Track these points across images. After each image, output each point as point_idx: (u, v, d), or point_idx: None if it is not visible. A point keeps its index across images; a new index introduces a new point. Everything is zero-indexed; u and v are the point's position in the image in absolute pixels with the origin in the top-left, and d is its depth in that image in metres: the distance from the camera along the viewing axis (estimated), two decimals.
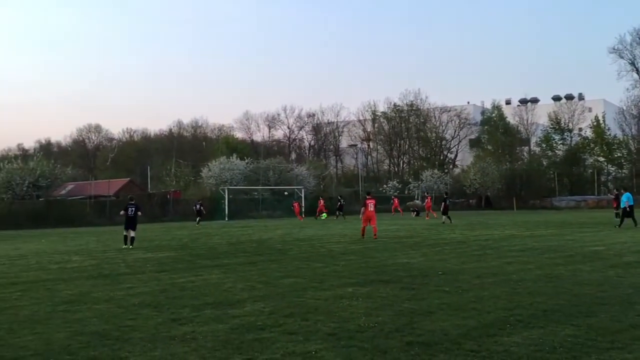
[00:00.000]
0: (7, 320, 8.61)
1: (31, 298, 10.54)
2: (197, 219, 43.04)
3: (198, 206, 44.09)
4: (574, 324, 7.50)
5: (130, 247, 21.51)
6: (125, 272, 14.25)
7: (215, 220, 49.01)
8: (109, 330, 7.71)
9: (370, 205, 23.87)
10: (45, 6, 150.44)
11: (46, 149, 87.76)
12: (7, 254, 20.49)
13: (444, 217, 35.78)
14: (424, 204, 50.08)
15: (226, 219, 49.29)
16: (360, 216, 24.42)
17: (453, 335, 7.05)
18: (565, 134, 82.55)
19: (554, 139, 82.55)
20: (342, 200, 49.60)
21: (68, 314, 8.96)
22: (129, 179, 65.98)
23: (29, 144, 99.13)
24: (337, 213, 47.38)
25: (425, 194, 56.83)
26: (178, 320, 8.27)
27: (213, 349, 6.72)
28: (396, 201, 56.14)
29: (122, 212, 23.16)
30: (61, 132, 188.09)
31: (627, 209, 28.81)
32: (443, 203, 37.68)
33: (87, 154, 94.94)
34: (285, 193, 58.31)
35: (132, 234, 22.06)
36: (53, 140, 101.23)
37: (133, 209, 22.67)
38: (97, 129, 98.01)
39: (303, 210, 51.72)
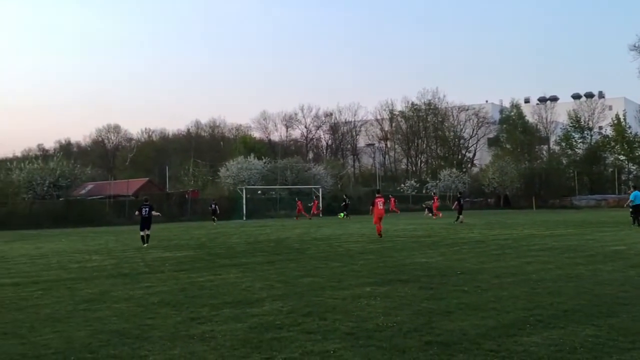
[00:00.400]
0: (29, 318, 8.71)
1: (52, 297, 10.65)
2: (214, 218, 43.73)
3: (213, 206, 44.69)
4: (594, 324, 7.43)
5: (145, 245, 21.98)
6: (144, 271, 14.35)
7: (233, 219, 49.22)
8: (128, 329, 7.77)
9: (380, 203, 24.26)
10: (65, 7, 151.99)
11: (66, 150, 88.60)
12: (28, 253, 20.73)
13: (460, 216, 35.22)
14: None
15: (244, 219, 49.43)
16: (371, 214, 24.72)
17: (472, 335, 7.01)
18: (585, 132, 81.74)
19: (574, 138, 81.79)
20: (347, 200, 49.84)
21: (88, 312, 9.05)
22: (147, 178, 66.44)
23: (49, 144, 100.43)
24: (344, 213, 47.74)
25: (432, 193, 56.00)
26: (197, 319, 8.32)
27: (232, 347, 6.74)
28: (392, 201, 54.70)
29: (136, 213, 23.59)
30: (81, 133, 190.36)
31: (630, 207, 28.70)
32: (457, 202, 37.06)
33: (106, 154, 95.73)
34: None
35: (147, 232, 22.58)
36: (73, 140, 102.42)
37: (147, 209, 23.07)
38: (116, 129, 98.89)
39: (321, 208, 52.24)
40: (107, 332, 7.66)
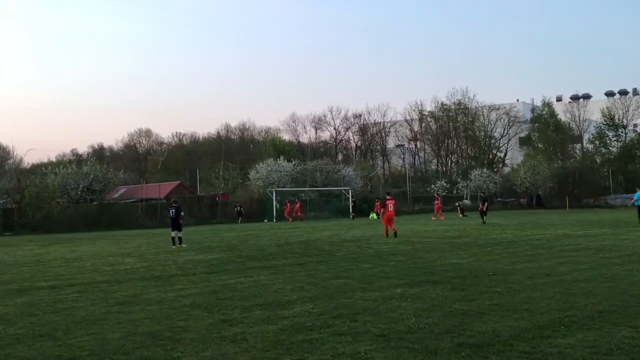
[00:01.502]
0: (64, 320, 8.87)
1: (87, 299, 10.83)
2: (239, 219, 45.91)
3: (238, 208, 45.97)
4: (631, 326, 7.29)
5: (182, 246, 22.55)
6: (176, 273, 14.50)
7: (263, 221, 49.46)
8: (161, 331, 7.86)
9: (390, 205, 24.66)
10: (97, 10, 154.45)
11: (99, 154, 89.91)
12: (63, 256, 21.11)
13: (484, 217, 34.51)
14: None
15: (274, 220, 49.62)
16: (381, 216, 25.53)
17: (505, 337, 6.94)
18: (620, 130, 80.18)
19: (608, 136, 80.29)
20: (355, 201, 50.06)
21: (122, 314, 9.18)
22: (178, 182, 67.16)
23: (83, 149, 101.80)
24: (352, 214, 47.90)
25: (436, 194, 54.45)
26: (228, 321, 8.37)
27: (263, 349, 6.78)
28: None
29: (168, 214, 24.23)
30: (113, 137, 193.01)
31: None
32: (484, 203, 36.19)
33: (138, 158, 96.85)
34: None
35: (179, 234, 23.03)
36: (105, 145, 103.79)
37: (173, 210, 23.60)
38: (148, 133, 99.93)
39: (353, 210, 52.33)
40: (140, 334, 7.76)
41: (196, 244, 24.82)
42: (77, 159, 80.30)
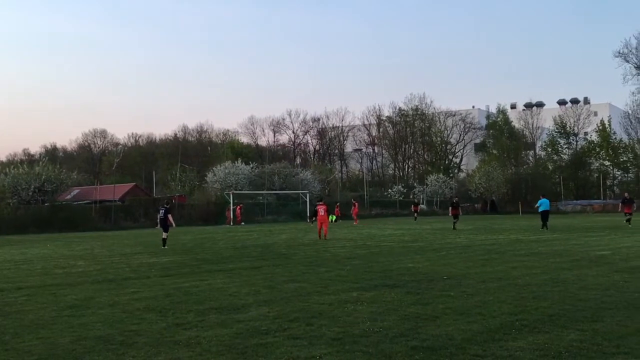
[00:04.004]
0: (12, 324, 8.62)
1: (36, 303, 10.55)
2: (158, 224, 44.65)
3: (162, 210, 45.61)
4: (579, 329, 7.47)
5: (164, 247, 22.87)
6: (129, 276, 14.26)
7: (219, 224, 49.12)
8: (113, 335, 7.71)
9: (321, 210, 27.37)
10: (50, 11, 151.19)
11: (52, 154, 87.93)
12: (12, 258, 20.55)
13: (455, 222, 34.49)
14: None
15: (231, 224, 49.33)
16: (314, 219, 29.13)
17: (458, 340, 7.03)
18: (571, 138, 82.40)
19: (560, 143, 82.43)
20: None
21: (73, 318, 8.97)
22: (134, 183, 66.12)
23: (35, 149, 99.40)
24: (311, 218, 48.16)
25: (352, 199, 54.56)
26: (182, 324, 8.27)
27: (217, 353, 6.71)
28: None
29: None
30: (67, 137, 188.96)
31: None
32: (456, 207, 35.92)
33: (92, 159, 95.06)
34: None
35: (163, 235, 23.47)
36: (59, 145, 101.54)
37: (162, 211, 24.10)
38: (103, 133, 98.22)
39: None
40: (91, 338, 7.60)
41: (151, 246, 24.48)
42: (29, 159, 78.35)
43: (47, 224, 43.75)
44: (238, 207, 52.31)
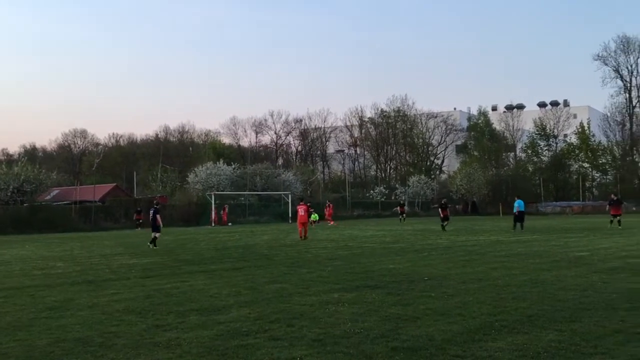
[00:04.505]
0: None
1: (14, 304, 10.43)
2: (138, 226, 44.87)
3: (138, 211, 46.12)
4: (557, 329, 7.54)
5: (149, 245, 23.27)
6: (109, 278, 14.15)
7: (201, 225, 48.92)
8: (92, 337, 7.65)
9: (301, 210, 27.89)
10: (31, 11, 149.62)
11: (31, 154, 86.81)
12: None
13: (445, 224, 33.97)
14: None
15: (212, 225, 49.14)
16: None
17: (438, 341, 7.06)
18: (551, 140, 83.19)
19: (540, 145, 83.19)
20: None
21: (51, 320, 8.88)
22: (114, 184, 65.54)
23: (14, 149, 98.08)
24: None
25: (327, 200, 54.66)
26: (162, 326, 8.22)
27: (198, 355, 6.68)
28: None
29: None
30: (46, 137, 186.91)
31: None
32: (445, 209, 35.38)
33: (72, 159, 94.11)
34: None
35: (153, 234, 23.63)
36: (38, 145, 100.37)
37: (152, 211, 24.24)
38: (83, 134, 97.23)
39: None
40: (69, 340, 7.53)
41: (132, 247, 24.31)
42: (8, 159, 77.38)
43: (26, 224, 43.21)
44: (224, 207, 52.19)
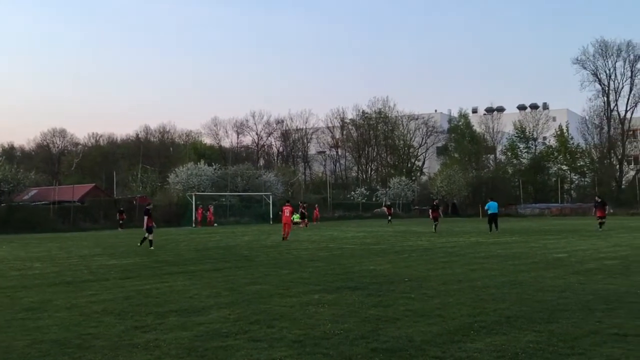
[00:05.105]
0: None
1: None
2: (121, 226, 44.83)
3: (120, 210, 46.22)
4: (535, 330, 7.61)
5: (140, 245, 23.54)
6: (88, 279, 14.02)
7: (182, 226, 48.67)
8: (69, 338, 7.57)
9: (286, 211, 28.58)
10: (6, 7, 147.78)
11: (9, 154, 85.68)
12: None
13: (436, 225, 33.92)
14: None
15: (193, 225, 48.91)
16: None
17: (417, 342, 7.09)
18: (530, 142, 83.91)
19: (519, 148, 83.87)
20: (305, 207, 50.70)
21: (28, 321, 8.78)
22: (94, 184, 64.94)
23: None
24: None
25: (300, 202, 54.71)
26: (141, 327, 8.17)
27: (176, 356, 6.65)
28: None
29: None
30: (25, 137, 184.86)
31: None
32: (436, 210, 35.45)
33: (51, 159, 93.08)
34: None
35: (146, 236, 23.75)
36: (16, 144, 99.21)
37: (144, 212, 24.60)
38: (62, 133, 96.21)
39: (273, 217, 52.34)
40: (47, 341, 7.45)
41: (111, 248, 24.12)
42: None
43: (4, 224, 42.62)
44: (209, 208, 51.95)
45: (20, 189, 53.90)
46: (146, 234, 23.75)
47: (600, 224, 31.34)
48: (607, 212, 34.19)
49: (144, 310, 9.45)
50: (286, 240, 26.92)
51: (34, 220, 45.08)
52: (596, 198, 35.23)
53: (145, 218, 24.09)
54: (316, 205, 54.07)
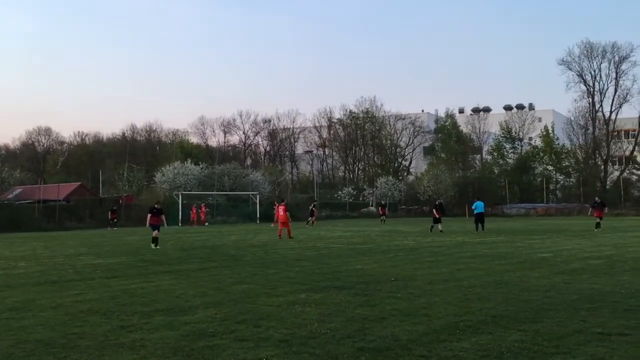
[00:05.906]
0: None
1: None
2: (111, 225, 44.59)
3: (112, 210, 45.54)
4: (521, 330, 7.66)
5: (156, 247, 22.83)
6: (73, 278, 13.93)
7: (168, 225, 48.44)
8: (54, 338, 7.52)
9: (281, 210, 28.60)
10: None
11: None
12: None
13: (439, 225, 33.07)
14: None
15: (180, 225, 48.75)
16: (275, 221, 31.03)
17: (404, 341, 7.11)
18: (516, 142, 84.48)
19: (505, 148, 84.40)
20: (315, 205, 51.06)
21: (12, 321, 8.71)
22: (79, 183, 64.56)
23: None
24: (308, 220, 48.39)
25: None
26: (127, 327, 8.13)
27: (162, 356, 6.62)
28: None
29: None
30: (9, 135, 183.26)
31: None
32: (438, 209, 34.19)
33: (36, 157, 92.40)
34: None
35: (153, 233, 23.44)
36: (1, 143, 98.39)
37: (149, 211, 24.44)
38: (47, 131, 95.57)
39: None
40: (31, 341, 7.39)
41: (97, 247, 23.98)
42: None
43: None
44: (201, 206, 51.83)
45: (4, 188, 53.58)
46: (154, 232, 23.41)
47: (597, 224, 31.45)
48: (604, 212, 34.02)
49: (130, 310, 9.41)
50: (291, 238, 27.28)
51: (19, 219, 44.78)
52: (596, 199, 35.37)
53: (149, 216, 23.86)
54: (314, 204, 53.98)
